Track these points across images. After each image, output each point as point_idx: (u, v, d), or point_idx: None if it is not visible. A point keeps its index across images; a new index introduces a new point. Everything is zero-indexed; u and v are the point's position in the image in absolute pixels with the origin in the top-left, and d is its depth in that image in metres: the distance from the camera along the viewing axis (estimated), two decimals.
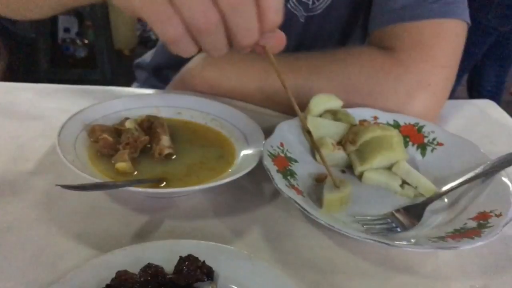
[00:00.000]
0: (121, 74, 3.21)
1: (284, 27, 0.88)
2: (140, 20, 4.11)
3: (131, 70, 1.14)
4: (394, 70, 0.70)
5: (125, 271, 0.41)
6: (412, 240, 0.50)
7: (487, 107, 0.89)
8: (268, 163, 0.55)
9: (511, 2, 2.11)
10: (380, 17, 0.75)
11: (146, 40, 4.05)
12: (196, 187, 0.53)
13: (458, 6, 0.72)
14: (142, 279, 0.40)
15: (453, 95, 0.73)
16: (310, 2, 0.84)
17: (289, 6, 0.84)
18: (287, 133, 0.63)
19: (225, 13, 0.40)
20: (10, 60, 2.90)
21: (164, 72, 1.02)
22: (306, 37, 0.89)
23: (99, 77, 3.00)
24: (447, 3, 0.71)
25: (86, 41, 2.98)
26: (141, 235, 0.50)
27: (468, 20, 0.74)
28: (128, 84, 1.11)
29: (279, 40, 0.47)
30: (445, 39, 0.71)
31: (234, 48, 0.44)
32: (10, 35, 3.35)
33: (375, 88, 0.70)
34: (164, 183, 0.54)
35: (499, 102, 2.66)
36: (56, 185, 0.44)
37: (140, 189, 0.52)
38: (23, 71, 3.15)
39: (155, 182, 0.54)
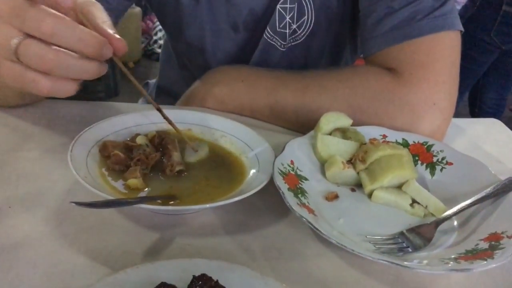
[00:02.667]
0: (125, 86, 3.22)
1: (264, 57, 0.89)
2: (144, 33, 4.16)
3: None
4: (398, 91, 0.70)
5: None
6: (424, 261, 0.50)
7: (493, 126, 0.90)
8: (279, 181, 0.55)
9: None
10: (372, 42, 0.75)
11: (150, 53, 4.09)
12: (208, 205, 0.53)
13: (446, 17, 0.71)
14: None
15: (454, 112, 0.73)
16: (288, 31, 0.84)
17: (265, 37, 0.85)
18: (297, 150, 0.63)
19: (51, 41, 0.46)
20: None
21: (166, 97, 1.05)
22: (292, 65, 0.89)
23: (103, 88, 3.01)
24: (435, 17, 0.71)
25: None
26: (153, 253, 0.50)
27: (460, 28, 0.73)
28: (131, 96, 1.13)
29: (120, 46, 0.51)
30: (441, 53, 0.71)
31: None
32: None
33: (381, 108, 0.70)
34: (174, 200, 0.55)
35: (500, 119, 2.67)
36: (70, 202, 0.44)
37: (152, 206, 0.52)
38: None
39: (166, 199, 0.54)
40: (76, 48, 0.47)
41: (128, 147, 0.60)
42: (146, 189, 0.56)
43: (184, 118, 0.69)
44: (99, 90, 3.04)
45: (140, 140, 0.62)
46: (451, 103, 0.71)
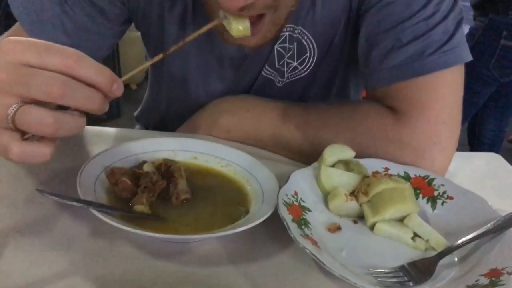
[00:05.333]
0: (127, 107, 3.25)
1: (260, 92, 0.87)
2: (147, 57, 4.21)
3: (136, 104, 1.17)
4: (398, 132, 0.70)
5: None
6: None
7: (493, 160, 0.91)
8: (284, 212, 0.56)
9: (511, 55, 2.18)
10: (378, 75, 0.74)
11: None
12: (212, 235, 0.54)
13: (455, 51, 0.70)
14: None
15: None
16: (287, 69, 0.84)
17: (263, 73, 0.85)
18: (301, 181, 0.64)
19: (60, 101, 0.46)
20: None
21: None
22: (291, 98, 0.87)
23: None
24: (445, 52, 0.70)
25: None
26: (158, 281, 0.50)
27: (470, 58, 0.72)
28: (132, 116, 1.14)
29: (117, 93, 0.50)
30: (443, 92, 0.71)
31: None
32: None
33: (382, 148, 0.71)
34: (159, 220, 0.56)
35: (499, 150, 2.68)
36: (37, 189, 0.48)
37: (156, 234, 0.53)
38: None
39: (152, 219, 0.55)
40: (82, 107, 0.47)
41: (135, 174, 0.62)
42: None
43: (190, 147, 0.70)
44: None
45: (147, 167, 0.63)
46: (452, 142, 0.72)
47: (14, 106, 0.45)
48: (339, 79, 0.91)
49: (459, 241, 0.58)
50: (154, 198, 0.59)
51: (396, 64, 0.71)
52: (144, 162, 0.64)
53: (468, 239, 0.58)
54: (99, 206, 0.52)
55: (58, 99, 0.45)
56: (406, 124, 0.71)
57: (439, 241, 0.60)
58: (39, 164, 0.48)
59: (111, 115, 3.10)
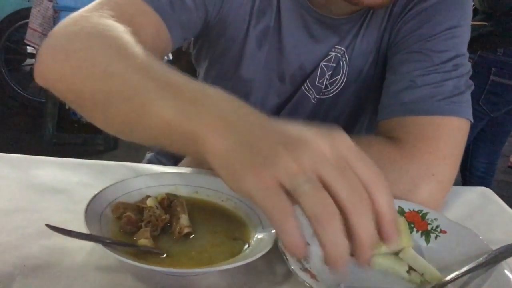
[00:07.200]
0: (123, 140, 3.28)
1: (297, 107, 0.94)
2: None
3: None
4: (399, 161, 0.74)
5: None
6: None
7: (484, 195, 0.93)
8: (283, 246, 0.58)
9: (500, 90, 2.25)
10: (390, 108, 0.81)
11: None
12: (213, 268, 0.55)
13: (462, 105, 0.78)
14: None
15: None
16: (323, 86, 0.92)
17: (303, 88, 0.93)
18: (300, 216, 0.66)
19: (345, 205, 0.41)
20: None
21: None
22: (316, 117, 0.97)
23: (102, 141, 3.06)
24: (453, 102, 0.77)
25: None
26: None
27: (471, 119, 0.79)
28: (129, 150, 1.15)
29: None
30: (449, 133, 0.77)
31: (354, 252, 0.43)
32: (20, 98, 3.49)
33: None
34: (159, 255, 0.57)
35: (491, 182, 2.68)
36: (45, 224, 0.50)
37: (160, 268, 0.55)
38: (28, 131, 3.25)
39: (153, 253, 0.57)
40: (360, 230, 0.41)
41: (139, 209, 0.64)
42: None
43: (191, 181, 0.72)
44: (99, 143, 3.09)
45: (150, 202, 0.65)
46: (449, 177, 0.76)
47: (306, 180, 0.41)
48: (356, 110, 0.98)
49: (453, 275, 0.60)
50: (157, 232, 0.61)
51: (407, 101, 0.79)
52: (148, 196, 0.66)
53: (461, 273, 0.60)
54: (105, 240, 0.54)
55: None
56: (408, 152, 0.75)
57: (433, 275, 0.61)
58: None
59: (108, 146, 3.11)
